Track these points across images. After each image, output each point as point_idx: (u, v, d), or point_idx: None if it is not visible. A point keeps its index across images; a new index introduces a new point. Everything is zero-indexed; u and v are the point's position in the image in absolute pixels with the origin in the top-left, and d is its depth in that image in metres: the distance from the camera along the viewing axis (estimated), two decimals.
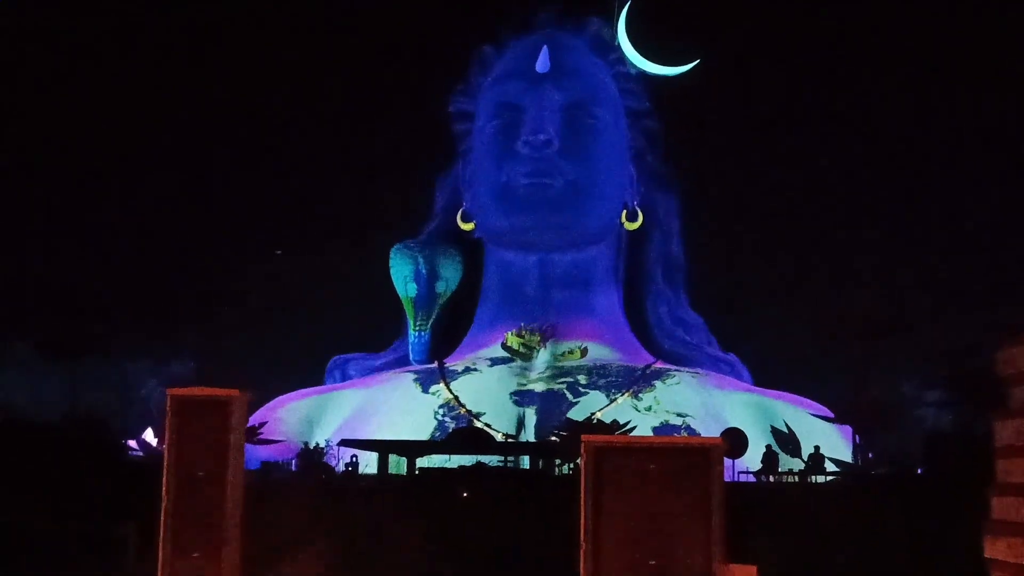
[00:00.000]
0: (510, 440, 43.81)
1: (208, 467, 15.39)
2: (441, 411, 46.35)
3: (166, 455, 15.69)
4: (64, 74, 63.74)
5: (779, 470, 37.97)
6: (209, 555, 15.17)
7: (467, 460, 37.58)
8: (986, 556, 8.28)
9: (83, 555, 21.47)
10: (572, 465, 34.57)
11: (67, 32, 63.27)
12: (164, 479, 15.44)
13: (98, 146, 63.53)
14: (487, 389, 47.05)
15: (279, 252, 55.50)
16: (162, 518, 15.33)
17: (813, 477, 36.73)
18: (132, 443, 42.83)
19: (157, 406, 43.74)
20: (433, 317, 52.45)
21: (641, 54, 54.02)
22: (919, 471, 32.25)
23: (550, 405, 45.63)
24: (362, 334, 56.26)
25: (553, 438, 40.42)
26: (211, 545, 15.19)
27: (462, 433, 43.10)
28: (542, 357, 48.88)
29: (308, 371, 53.50)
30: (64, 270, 61.80)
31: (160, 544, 15.31)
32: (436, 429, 45.22)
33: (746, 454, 38.01)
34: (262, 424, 42.86)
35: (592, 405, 45.41)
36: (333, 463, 40.03)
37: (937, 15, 59.36)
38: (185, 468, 15.41)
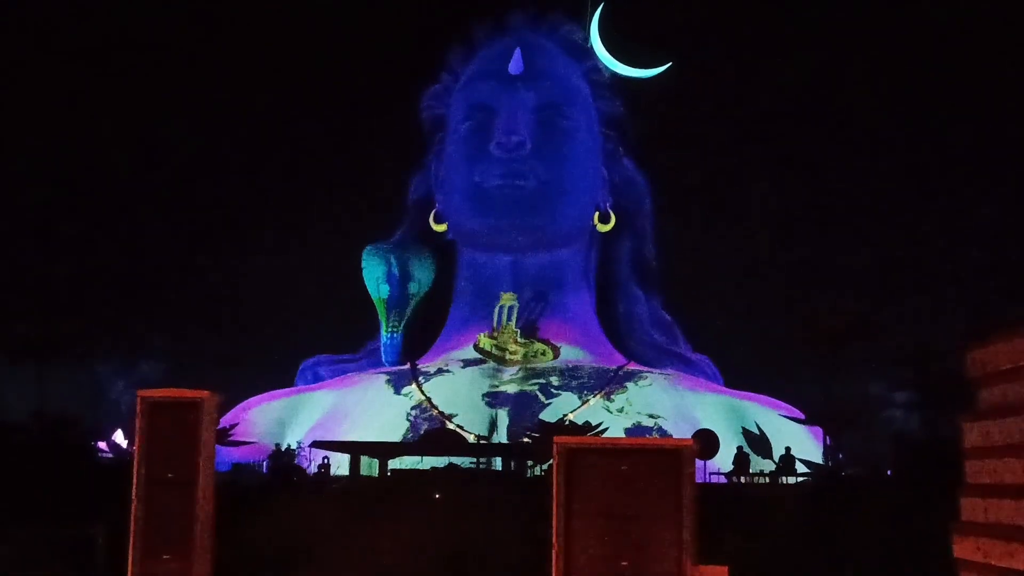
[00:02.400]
0: (482, 441, 43.79)
1: (178, 469, 15.30)
2: (413, 412, 46.29)
3: (136, 457, 15.58)
4: (39, 76, 63.33)
5: (750, 471, 38.13)
6: (179, 558, 15.08)
7: (439, 462, 37.56)
8: (955, 557, 8.33)
9: (51, 558, 21.31)
10: (544, 466, 34.60)
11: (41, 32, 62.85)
12: (134, 481, 15.34)
13: (68, 149, 63.14)
14: (459, 390, 47.03)
15: None
16: (131, 520, 15.23)
17: (784, 478, 36.90)
18: (102, 444, 42.57)
19: (127, 407, 43.54)
20: (405, 318, 52.38)
21: (614, 56, 54.15)
22: (888, 472, 32.46)
23: (522, 406, 45.64)
24: (334, 336, 56.21)
25: (525, 439, 40.45)
26: (181, 547, 15.10)
27: (434, 434, 43.07)
28: (517, 351, 48.89)
29: (280, 373, 53.40)
30: (33, 270, 61.35)
31: (130, 547, 15.21)
32: (408, 431, 45.17)
33: (718, 455, 38.19)
34: (233, 426, 42.69)
35: (564, 406, 45.47)
36: (305, 465, 39.90)
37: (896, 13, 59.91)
38: (155, 470, 15.31)
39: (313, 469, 39.62)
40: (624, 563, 13.03)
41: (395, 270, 51.98)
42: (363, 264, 52.53)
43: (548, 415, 44.24)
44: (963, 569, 8.23)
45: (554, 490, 13.32)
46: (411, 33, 60.74)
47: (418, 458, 40.02)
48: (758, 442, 40.04)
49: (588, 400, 45.95)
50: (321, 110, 64.60)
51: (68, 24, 64.35)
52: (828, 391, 41.96)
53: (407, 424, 45.66)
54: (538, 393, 46.60)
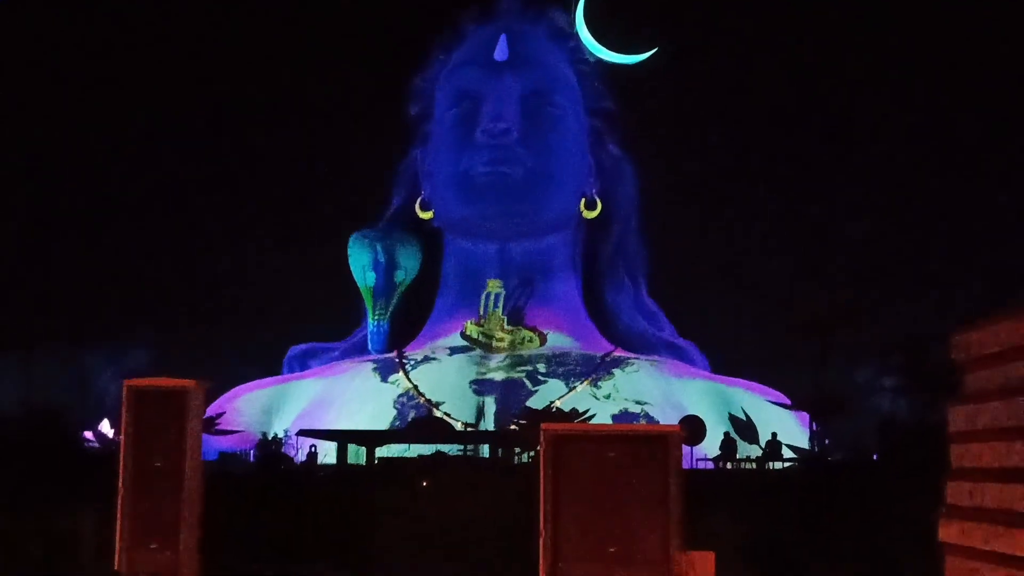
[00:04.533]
0: (469, 429, 43.83)
1: (165, 458, 15.29)
2: (400, 400, 46.31)
3: (122, 446, 15.56)
4: (26, 68, 62.99)
5: (737, 457, 38.25)
6: (166, 546, 15.08)
7: (426, 449, 37.58)
8: (940, 540, 8.37)
9: (38, 547, 21.27)
10: (531, 453, 34.64)
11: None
12: (120, 470, 15.32)
13: (53, 135, 62.84)
14: (446, 378, 47.04)
15: None
16: (118, 509, 15.22)
17: (771, 463, 37.03)
18: (88, 434, 42.47)
19: (113, 397, 43.41)
20: (392, 306, 52.32)
21: (600, 42, 54.07)
22: (874, 457, 32.59)
23: (509, 393, 45.69)
24: (320, 324, 56.09)
25: (512, 427, 40.49)
26: (168, 536, 15.10)
27: (421, 422, 43.09)
28: (504, 338, 48.92)
29: (266, 361, 53.28)
30: (17, 259, 61.09)
31: (117, 536, 15.20)
32: (395, 418, 45.18)
33: (704, 441, 38.30)
34: (220, 414, 42.65)
35: (551, 393, 45.53)
36: (292, 453, 39.89)
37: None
38: (142, 459, 15.30)
39: (300, 458, 39.61)
40: (612, 549, 13.07)
41: (381, 258, 51.88)
42: (349, 252, 52.43)
43: (535, 402, 44.30)
44: (948, 552, 8.27)
45: (541, 477, 13.34)
46: (397, 20, 60.51)
47: (405, 446, 40.04)
48: (744, 428, 40.15)
49: (575, 387, 46.01)
50: (307, 97, 64.36)
51: (59, 20, 64.02)
52: (815, 376, 42.07)
53: (394, 412, 45.67)
54: (525, 380, 46.64)
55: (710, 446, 38.59)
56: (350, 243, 52.48)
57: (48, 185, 63.88)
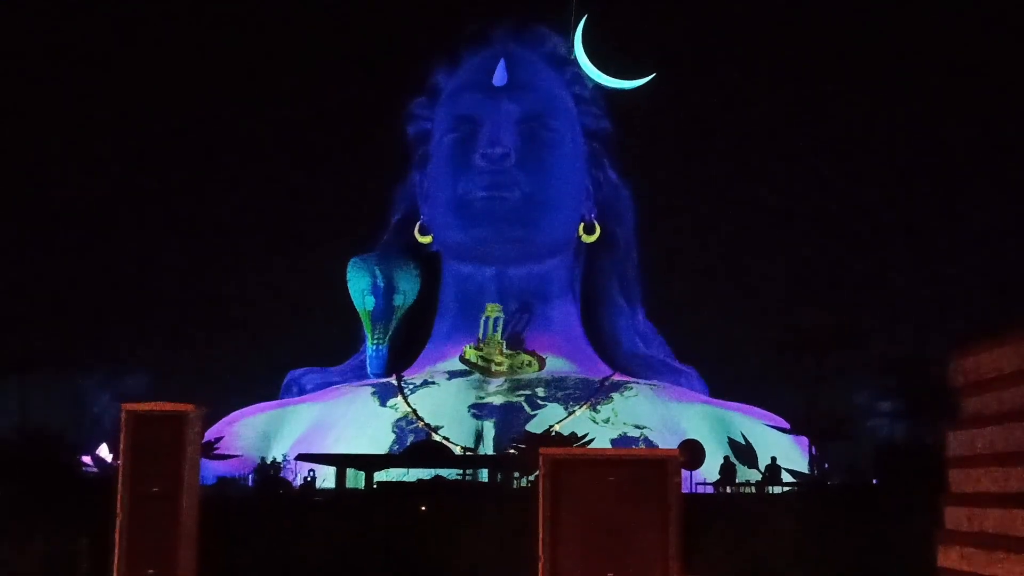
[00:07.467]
0: (468, 453, 43.73)
1: (163, 483, 15.25)
2: (399, 424, 46.20)
3: (120, 470, 15.53)
4: (24, 80, 63.14)
5: (736, 481, 38.15)
6: (163, 571, 15.03)
7: (425, 474, 37.49)
8: (939, 565, 8.37)
9: (36, 571, 21.21)
10: (531, 478, 34.56)
11: None
12: (118, 495, 15.28)
13: (48, 156, 62.94)
14: (445, 402, 46.96)
15: None
16: (116, 534, 15.17)
17: (770, 488, 36.93)
18: (86, 459, 42.33)
19: (111, 421, 43.31)
20: (391, 330, 52.27)
21: (597, 67, 54.23)
22: (873, 481, 32.52)
23: (508, 418, 45.60)
24: (319, 348, 56.09)
25: (511, 451, 40.39)
26: (166, 561, 15.05)
27: (420, 447, 42.97)
28: (503, 363, 48.87)
29: (265, 385, 53.21)
30: (14, 281, 61.10)
31: (114, 561, 15.15)
32: (394, 443, 45.08)
33: (703, 465, 38.23)
34: (218, 439, 42.52)
35: (550, 418, 45.45)
36: (290, 478, 39.76)
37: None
38: (140, 484, 15.26)
39: (299, 482, 39.47)
40: (610, 574, 13.04)
41: (380, 282, 51.85)
42: (348, 276, 52.41)
43: (534, 426, 44.22)
44: None
45: (540, 501, 13.32)
46: (396, 45, 60.78)
47: (404, 470, 39.93)
48: (744, 452, 40.08)
49: (574, 411, 45.93)
50: (307, 122, 64.57)
51: (55, 24, 64.23)
52: (813, 401, 42.03)
53: (393, 436, 45.56)
54: (524, 404, 46.56)
55: (709, 470, 38.50)
56: (349, 267, 52.47)
57: (45, 208, 63.92)
